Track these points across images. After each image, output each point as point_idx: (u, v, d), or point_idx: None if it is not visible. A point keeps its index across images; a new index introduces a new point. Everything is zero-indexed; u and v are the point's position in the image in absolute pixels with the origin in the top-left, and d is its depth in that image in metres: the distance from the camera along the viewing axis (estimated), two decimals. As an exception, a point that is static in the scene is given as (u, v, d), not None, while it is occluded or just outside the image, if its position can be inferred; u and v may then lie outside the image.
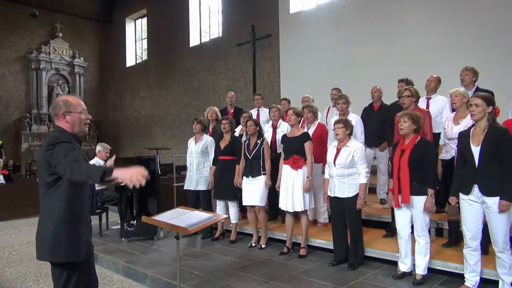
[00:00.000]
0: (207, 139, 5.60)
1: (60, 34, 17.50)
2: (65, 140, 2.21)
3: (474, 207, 3.19)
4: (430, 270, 3.70)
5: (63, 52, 17.61)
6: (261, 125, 5.19)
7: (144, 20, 17.18)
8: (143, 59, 17.30)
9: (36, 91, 16.94)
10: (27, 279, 4.39)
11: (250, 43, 12.08)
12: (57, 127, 2.34)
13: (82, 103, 2.40)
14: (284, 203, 4.52)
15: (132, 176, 1.98)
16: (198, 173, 5.50)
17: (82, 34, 18.32)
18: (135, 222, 5.62)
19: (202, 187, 5.50)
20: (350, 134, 4.10)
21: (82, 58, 18.08)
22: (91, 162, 5.31)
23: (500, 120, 3.47)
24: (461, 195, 3.27)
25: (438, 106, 4.71)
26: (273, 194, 5.04)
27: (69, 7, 17.28)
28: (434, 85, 4.81)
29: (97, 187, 5.86)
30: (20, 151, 16.43)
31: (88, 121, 2.42)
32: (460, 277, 3.46)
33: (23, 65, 16.78)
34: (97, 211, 5.84)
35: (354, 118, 4.95)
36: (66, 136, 2.27)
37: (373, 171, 5.48)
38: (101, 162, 6.03)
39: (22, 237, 6.48)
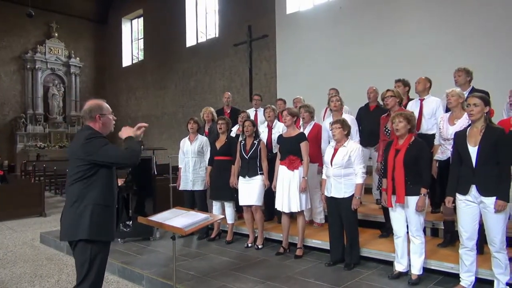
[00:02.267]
0: (202, 139, 5.60)
1: (56, 34, 17.44)
2: (99, 136, 2.57)
3: (471, 208, 3.20)
4: (426, 270, 3.71)
5: (58, 52, 17.54)
6: (257, 125, 5.19)
7: (141, 20, 17.15)
8: (140, 59, 17.27)
9: (31, 91, 16.87)
10: (21, 280, 4.36)
11: (246, 44, 12.08)
12: (87, 126, 2.65)
13: (109, 106, 2.76)
14: (281, 204, 4.51)
15: (130, 130, 2.65)
16: (194, 173, 5.49)
17: (78, 34, 18.26)
18: (131, 222, 5.59)
19: (198, 187, 5.49)
20: (348, 134, 4.10)
21: (78, 58, 18.03)
22: None
23: (494, 120, 3.48)
24: (458, 196, 3.27)
25: (432, 107, 4.72)
26: (269, 194, 5.04)
27: (65, 7, 17.23)
28: (421, 86, 4.78)
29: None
30: (15, 152, 16.35)
31: (114, 122, 2.77)
32: (456, 277, 3.47)
33: (18, 65, 16.71)
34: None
35: (348, 119, 4.95)
36: (98, 133, 2.61)
37: (368, 171, 5.49)
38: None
39: (17, 238, 6.44)
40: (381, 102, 5.49)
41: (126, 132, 2.67)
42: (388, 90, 4.40)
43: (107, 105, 2.73)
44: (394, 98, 4.30)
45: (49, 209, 8.68)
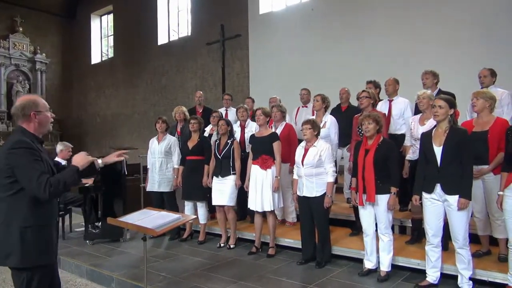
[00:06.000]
0: (171, 139, 5.53)
1: (21, 29, 16.73)
2: (27, 146, 2.17)
3: (436, 206, 3.32)
4: (394, 266, 3.81)
5: (23, 48, 16.84)
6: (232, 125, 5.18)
7: (110, 16, 16.74)
8: (109, 57, 16.86)
9: (-7, 88, 16.15)
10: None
11: (219, 43, 12.03)
12: (19, 127, 2.29)
13: (46, 102, 2.42)
14: (254, 203, 4.53)
15: (81, 160, 2.31)
16: (161, 174, 5.41)
17: (45, 29, 17.60)
18: (100, 224, 5.47)
19: (164, 188, 5.42)
20: (318, 134, 4.17)
21: (44, 54, 17.37)
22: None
23: (458, 121, 3.62)
24: (424, 194, 3.39)
25: (400, 108, 4.87)
26: (242, 194, 5.04)
27: (30, 0, 16.58)
28: (392, 88, 4.96)
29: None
30: (-24, 151, 15.61)
31: (52, 120, 2.43)
32: (422, 273, 3.59)
33: (-21, 61, 15.96)
34: (60, 213, 5.62)
35: (329, 119, 5.02)
36: (28, 138, 2.23)
37: (340, 171, 5.59)
38: (63, 162, 5.81)
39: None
40: (353, 103, 5.63)
41: (77, 160, 2.30)
42: (363, 91, 4.50)
43: (44, 101, 2.38)
44: (368, 99, 4.39)
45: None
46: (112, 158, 2.55)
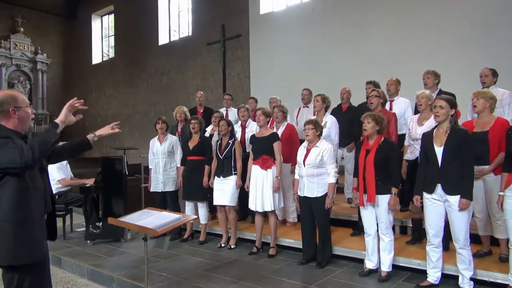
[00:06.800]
0: (172, 139, 5.54)
1: (22, 29, 16.76)
2: (1, 136, 2.09)
3: (436, 206, 3.32)
4: (395, 266, 3.81)
5: (24, 48, 16.88)
6: (233, 125, 5.18)
7: (111, 16, 16.76)
8: (110, 57, 16.88)
9: (-5, 88, 16.18)
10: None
11: (220, 43, 12.04)
12: None
13: (25, 97, 2.35)
14: (254, 203, 4.53)
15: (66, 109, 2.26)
16: (165, 174, 5.42)
17: (45, 29, 17.63)
18: (101, 224, 5.47)
19: (170, 188, 5.43)
20: (320, 135, 4.16)
21: (45, 55, 17.41)
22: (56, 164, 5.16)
23: (459, 122, 3.61)
24: (425, 194, 3.39)
25: (401, 108, 4.87)
26: (243, 194, 5.04)
27: (31, 0, 16.60)
28: (394, 88, 4.96)
29: (61, 188, 5.66)
30: (-23, 151, 15.61)
31: (33, 116, 2.35)
32: (423, 273, 3.59)
33: (-20, 61, 15.98)
34: (60, 213, 5.62)
35: (330, 119, 5.02)
36: (6, 134, 2.14)
37: (340, 171, 5.59)
38: (64, 162, 5.82)
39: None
40: (353, 103, 5.64)
41: (62, 118, 2.23)
42: (373, 90, 4.48)
43: (23, 96, 2.31)
44: (378, 98, 4.36)
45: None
46: (107, 130, 2.53)
